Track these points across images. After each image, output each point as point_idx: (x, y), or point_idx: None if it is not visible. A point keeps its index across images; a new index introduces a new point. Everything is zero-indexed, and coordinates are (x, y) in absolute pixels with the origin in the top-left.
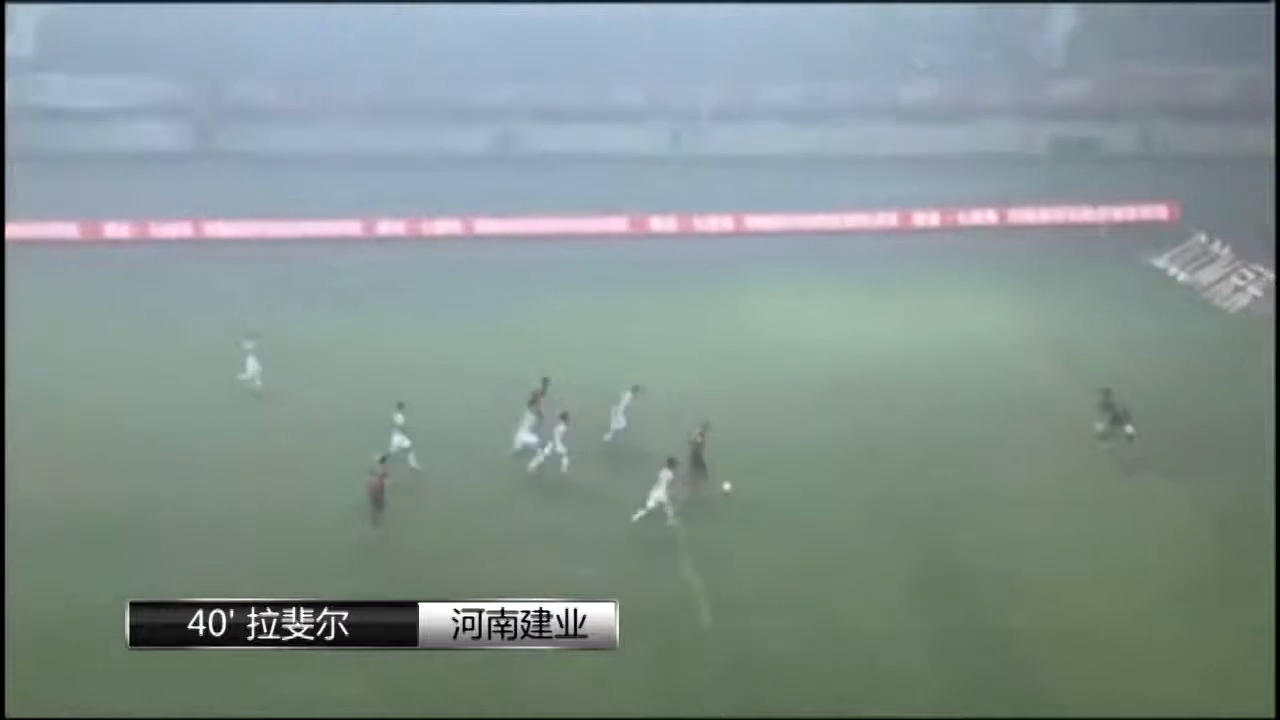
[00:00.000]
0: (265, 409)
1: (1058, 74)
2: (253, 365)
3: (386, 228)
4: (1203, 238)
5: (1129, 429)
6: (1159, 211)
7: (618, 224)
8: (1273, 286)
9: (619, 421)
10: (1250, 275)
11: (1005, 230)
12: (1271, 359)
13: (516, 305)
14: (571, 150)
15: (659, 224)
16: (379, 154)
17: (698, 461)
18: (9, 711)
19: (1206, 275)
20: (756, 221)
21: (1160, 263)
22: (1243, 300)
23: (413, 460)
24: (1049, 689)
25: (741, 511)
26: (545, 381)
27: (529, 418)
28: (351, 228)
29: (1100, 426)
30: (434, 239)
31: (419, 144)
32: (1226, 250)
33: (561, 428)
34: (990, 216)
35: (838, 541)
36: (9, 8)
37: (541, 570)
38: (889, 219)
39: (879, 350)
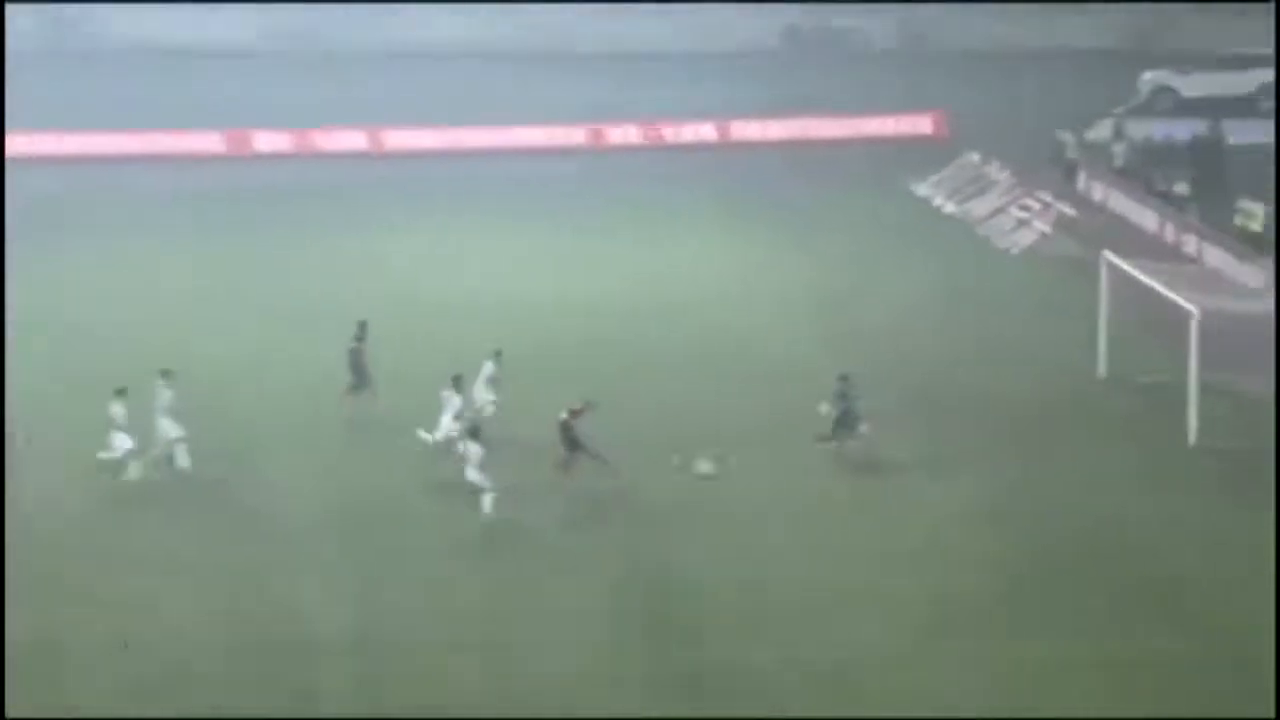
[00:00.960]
0: None
1: None
2: None
3: None
4: (976, 158)
5: (863, 428)
6: (922, 124)
7: (212, 142)
8: (1064, 219)
9: (485, 396)
10: (1035, 206)
11: (728, 149)
12: (1066, 313)
13: (70, 250)
14: (145, 39)
15: (267, 142)
16: None
17: (573, 444)
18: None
19: (981, 206)
20: (400, 138)
21: (923, 190)
22: (1026, 238)
23: (181, 457)
24: None
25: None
26: (363, 326)
27: (452, 399)
28: None
29: (830, 417)
30: None
31: None
32: (1006, 174)
33: (456, 401)
34: (708, 132)
35: (534, 562)
36: None
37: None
38: (575, 135)
39: (575, 308)
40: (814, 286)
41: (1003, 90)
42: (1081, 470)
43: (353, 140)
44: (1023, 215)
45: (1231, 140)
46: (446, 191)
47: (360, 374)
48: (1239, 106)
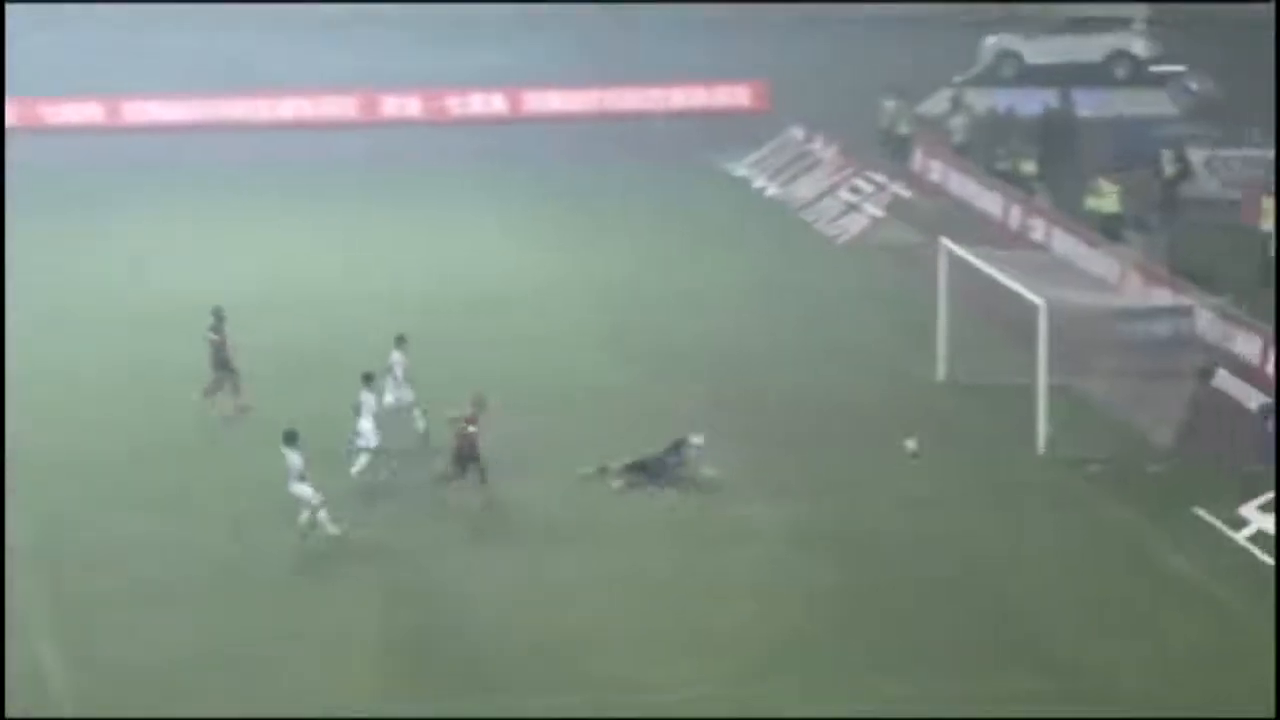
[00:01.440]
0: None
1: None
2: None
3: None
4: (799, 133)
5: (709, 472)
6: (739, 95)
7: None
8: (897, 203)
9: (402, 393)
10: (866, 188)
11: (519, 123)
12: (900, 309)
13: None
14: None
15: None
16: None
17: (469, 455)
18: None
19: (805, 187)
20: (141, 110)
21: (741, 170)
22: (856, 224)
23: None
24: None
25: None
26: (219, 313)
27: (367, 400)
28: None
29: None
30: None
31: None
32: (833, 152)
33: (373, 401)
34: (497, 103)
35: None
36: None
37: None
38: (344, 105)
39: (344, 305)
40: (619, 280)
41: (831, 58)
42: (921, 486)
43: (86, 113)
44: (852, 198)
45: (1082, 113)
46: (197, 172)
47: (223, 368)
48: (1090, 75)
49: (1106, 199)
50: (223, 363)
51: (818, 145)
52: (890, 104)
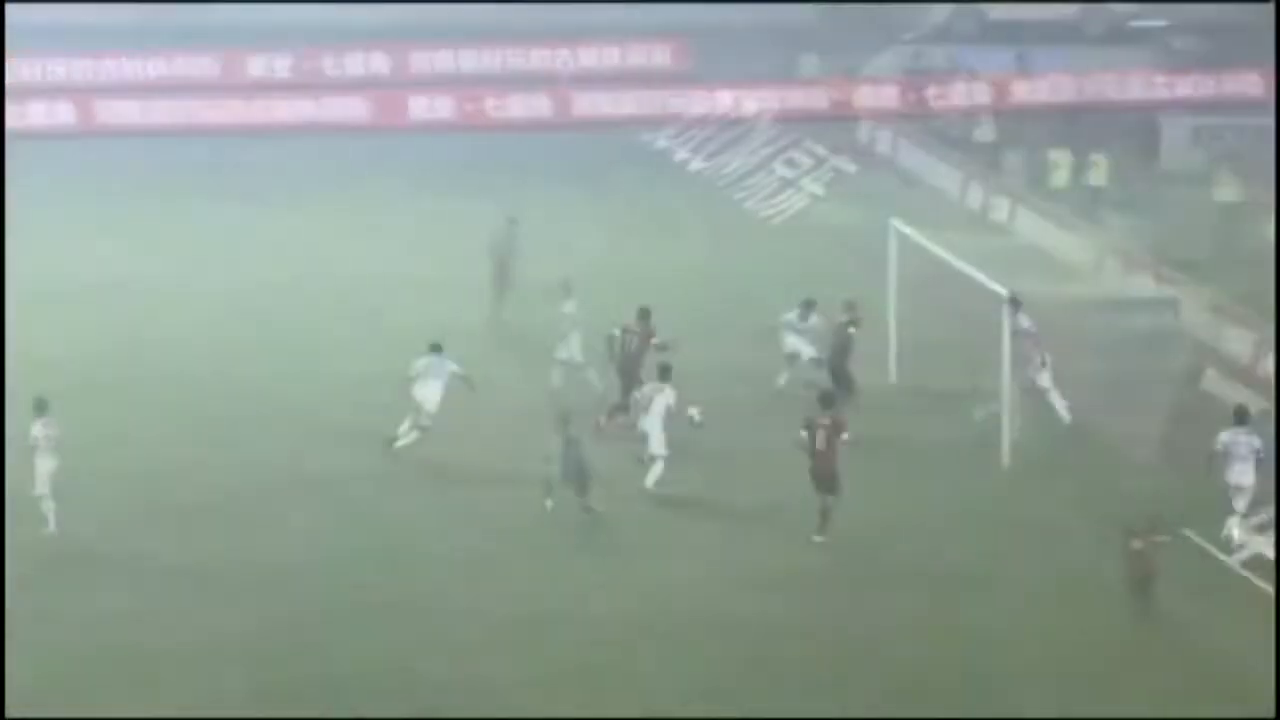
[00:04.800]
0: None
1: None
2: None
3: None
4: (729, 98)
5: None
6: (658, 53)
7: None
8: (840, 178)
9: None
10: (805, 160)
11: (398, 86)
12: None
13: None
14: None
15: None
16: None
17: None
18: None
19: (736, 160)
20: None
21: (661, 141)
22: (795, 202)
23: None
24: None
25: None
26: (513, 222)
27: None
28: None
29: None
30: None
31: None
32: (767, 119)
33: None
34: (378, 63)
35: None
36: None
37: None
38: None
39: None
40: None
41: (761, 9)
42: (871, 508)
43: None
44: (788, 173)
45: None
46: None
47: (502, 276)
48: (1059, 32)
49: (1096, 170)
50: (503, 270)
51: (749, 111)
52: (812, 60)
